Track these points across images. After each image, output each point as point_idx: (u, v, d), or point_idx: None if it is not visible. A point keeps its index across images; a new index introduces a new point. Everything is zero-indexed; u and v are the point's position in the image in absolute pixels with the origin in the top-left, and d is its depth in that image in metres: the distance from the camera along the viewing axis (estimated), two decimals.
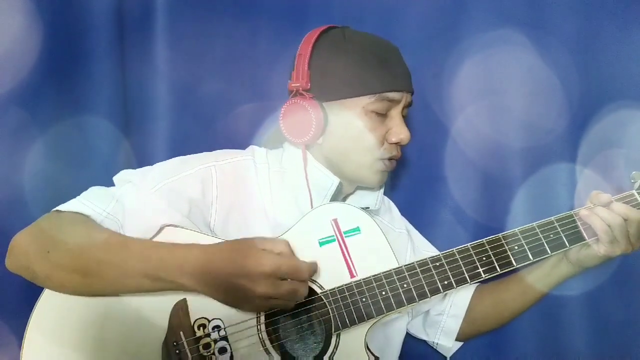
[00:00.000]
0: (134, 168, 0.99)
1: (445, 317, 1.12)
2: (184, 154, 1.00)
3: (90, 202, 0.89)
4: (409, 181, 1.27)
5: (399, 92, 0.97)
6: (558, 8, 1.17)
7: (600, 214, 0.91)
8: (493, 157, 1.20)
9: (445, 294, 1.08)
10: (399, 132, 0.97)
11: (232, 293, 0.81)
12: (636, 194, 0.98)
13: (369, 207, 1.06)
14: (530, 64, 1.17)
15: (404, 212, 1.20)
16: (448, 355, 1.15)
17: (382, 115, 0.97)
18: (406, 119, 1.01)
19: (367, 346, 0.91)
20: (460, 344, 1.15)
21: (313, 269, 0.85)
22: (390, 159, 1.00)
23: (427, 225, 1.22)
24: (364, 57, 0.96)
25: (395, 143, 0.99)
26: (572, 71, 1.16)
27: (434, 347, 1.16)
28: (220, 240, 0.91)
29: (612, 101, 1.14)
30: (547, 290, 1.06)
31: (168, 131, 1.24)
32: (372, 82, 0.95)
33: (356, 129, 0.96)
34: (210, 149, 1.03)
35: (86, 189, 0.94)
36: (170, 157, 1.00)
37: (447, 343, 1.13)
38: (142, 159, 1.22)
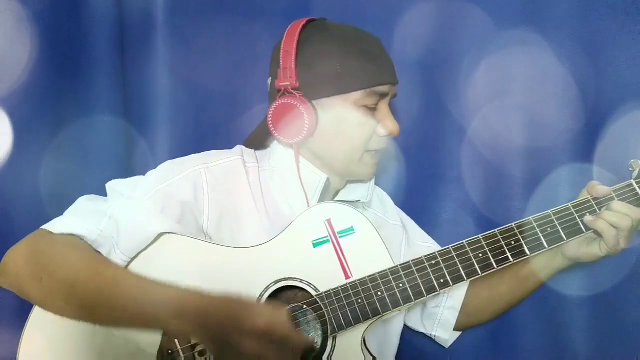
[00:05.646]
0: (138, 167, 0.98)
1: (442, 309, 1.13)
2: (185, 154, 1.00)
3: (82, 219, 0.87)
4: (411, 181, 1.26)
5: (387, 85, 0.96)
6: (571, 7, 1.15)
7: (607, 217, 0.91)
8: (498, 156, 1.19)
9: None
10: (389, 125, 0.97)
11: (220, 344, 0.76)
12: (634, 183, 0.96)
13: (359, 200, 1.05)
14: (540, 63, 1.16)
15: (408, 209, 1.20)
16: (446, 345, 1.16)
17: (372, 109, 0.96)
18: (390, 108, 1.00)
19: (366, 346, 0.91)
20: (458, 333, 1.15)
21: (308, 344, 0.79)
22: (379, 150, 0.99)
23: (429, 225, 1.21)
24: (351, 52, 0.94)
25: (385, 135, 0.98)
26: (584, 70, 1.14)
27: (433, 338, 1.16)
28: (215, 245, 0.90)
29: (626, 102, 1.12)
30: (542, 282, 1.07)
31: (171, 131, 1.24)
32: (363, 77, 0.93)
33: (348, 124, 0.95)
34: (214, 148, 1.02)
35: (85, 188, 0.94)
36: (174, 157, 0.99)
37: (444, 335, 1.14)
38: (148, 159, 1.22)
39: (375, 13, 1.23)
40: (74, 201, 0.92)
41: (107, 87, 1.19)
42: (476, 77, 1.19)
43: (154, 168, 0.97)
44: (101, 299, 0.80)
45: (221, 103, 1.25)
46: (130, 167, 1.21)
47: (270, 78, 1.00)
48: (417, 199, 1.24)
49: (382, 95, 0.96)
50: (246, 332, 0.74)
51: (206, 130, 1.25)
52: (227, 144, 1.06)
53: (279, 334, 0.75)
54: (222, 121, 1.25)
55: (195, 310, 0.76)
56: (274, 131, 0.96)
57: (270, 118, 0.95)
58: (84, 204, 0.91)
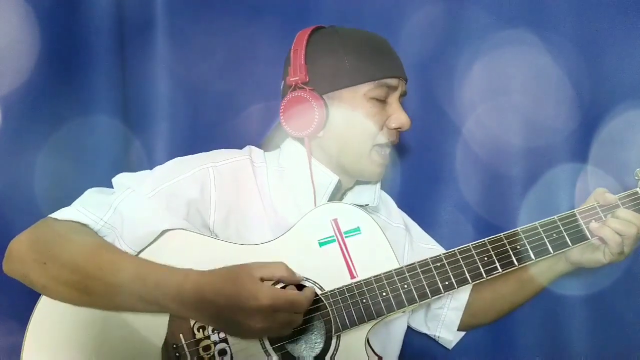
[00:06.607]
0: (137, 167, 0.98)
1: (446, 310, 1.13)
2: (186, 154, 1.00)
3: (87, 210, 0.88)
4: (412, 181, 1.27)
5: (396, 79, 0.98)
6: (565, 7, 1.16)
7: (613, 225, 0.91)
8: (497, 156, 1.20)
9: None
10: (400, 118, 0.98)
11: (227, 324, 0.81)
12: None
13: (367, 205, 1.05)
14: (538, 63, 1.17)
15: (408, 211, 1.20)
16: (450, 346, 1.16)
17: (382, 102, 0.98)
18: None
19: (370, 346, 0.91)
20: (462, 334, 1.16)
21: (309, 298, 0.84)
22: (388, 145, 1.00)
23: (429, 225, 1.21)
24: (359, 47, 0.97)
25: (396, 128, 0.99)
26: (580, 71, 1.15)
27: (436, 340, 1.17)
28: (221, 242, 0.91)
29: (621, 101, 1.13)
30: (545, 286, 1.07)
31: (170, 131, 1.24)
32: (371, 70, 0.96)
33: (358, 116, 0.96)
34: (212, 148, 1.02)
35: (83, 188, 0.94)
36: (173, 157, 0.99)
37: (448, 336, 1.14)
38: (144, 159, 1.22)
39: (374, 13, 1.24)
40: (72, 201, 0.92)
41: (106, 86, 1.19)
42: (475, 78, 1.20)
43: (152, 168, 0.98)
44: (101, 282, 0.81)
45: (220, 103, 1.26)
46: (128, 167, 1.21)
47: (283, 81, 1.02)
48: (416, 200, 1.24)
49: (392, 89, 0.98)
50: (250, 313, 0.78)
51: (205, 130, 1.25)
52: (226, 144, 1.06)
53: (282, 305, 0.79)
54: (220, 121, 1.26)
55: (194, 294, 0.79)
56: (285, 125, 0.97)
57: (282, 112, 0.97)
58: (92, 195, 0.92)
